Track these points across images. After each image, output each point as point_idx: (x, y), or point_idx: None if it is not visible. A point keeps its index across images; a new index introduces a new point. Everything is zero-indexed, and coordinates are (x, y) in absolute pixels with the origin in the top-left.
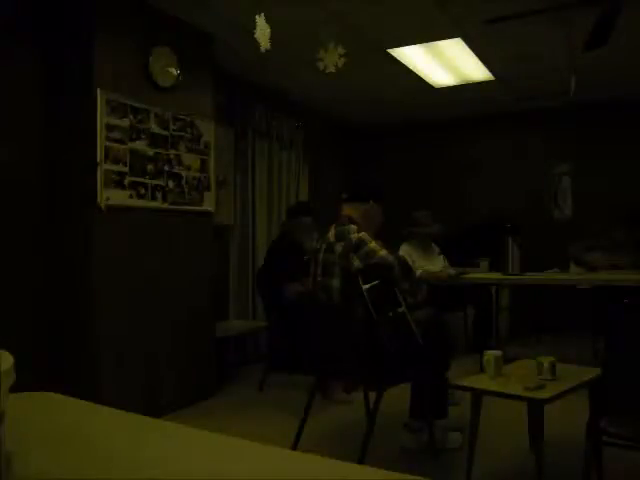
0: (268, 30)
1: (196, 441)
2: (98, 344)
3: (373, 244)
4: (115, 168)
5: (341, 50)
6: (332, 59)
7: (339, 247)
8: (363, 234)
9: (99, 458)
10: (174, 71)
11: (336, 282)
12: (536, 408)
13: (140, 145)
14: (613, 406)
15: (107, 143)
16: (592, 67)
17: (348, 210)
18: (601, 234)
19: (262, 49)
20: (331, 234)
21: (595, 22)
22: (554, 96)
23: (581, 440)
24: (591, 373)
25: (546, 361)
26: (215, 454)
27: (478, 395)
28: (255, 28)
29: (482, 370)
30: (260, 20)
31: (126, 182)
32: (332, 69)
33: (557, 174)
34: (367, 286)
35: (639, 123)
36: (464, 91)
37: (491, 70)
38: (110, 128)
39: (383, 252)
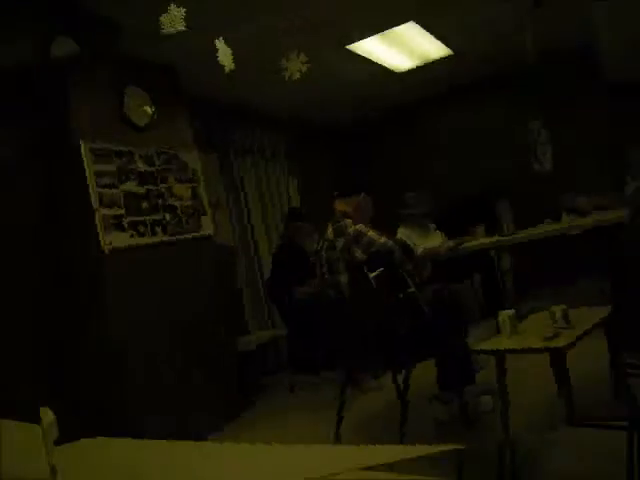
0: (229, 51)
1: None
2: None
3: (371, 233)
4: (112, 212)
5: (303, 58)
6: (295, 67)
7: (340, 243)
8: (360, 226)
9: None
10: (149, 109)
11: (343, 277)
12: (558, 356)
13: (131, 185)
14: (631, 341)
15: (99, 189)
16: (543, 22)
17: (341, 205)
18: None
19: (227, 70)
20: (329, 232)
21: None
22: (514, 60)
23: (605, 378)
24: (602, 313)
25: (558, 310)
26: (272, 462)
27: (500, 355)
28: (217, 52)
29: (498, 331)
30: (220, 44)
31: (125, 223)
32: (297, 76)
33: (532, 130)
34: (374, 274)
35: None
36: (427, 71)
37: (448, 45)
38: (99, 174)
39: (382, 239)
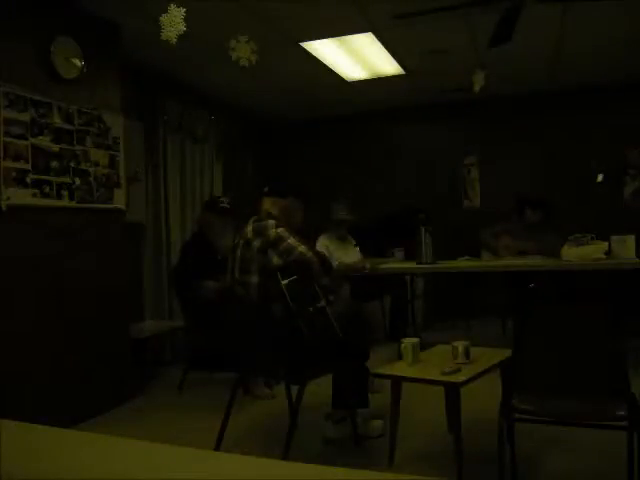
0: (180, 25)
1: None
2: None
3: (292, 240)
4: (16, 165)
5: (254, 46)
6: (244, 52)
7: (257, 243)
8: (282, 230)
9: None
10: (78, 62)
11: (254, 278)
12: (452, 391)
13: (43, 140)
14: (522, 384)
15: (6, 139)
16: (497, 63)
17: (267, 204)
18: (511, 218)
19: (164, 37)
20: (249, 230)
21: (499, 19)
22: (463, 90)
23: (496, 419)
24: (503, 354)
25: (460, 345)
26: (138, 460)
27: (397, 382)
28: (165, 13)
29: (400, 357)
30: (173, 10)
31: (28, 180)
32: (245, 62)
33: (466, 165)
34: (286, 281)
35: (538, 115)
36: (376, 85)
37: (401, 64)
38: (9, 122)
39: (302, 248)
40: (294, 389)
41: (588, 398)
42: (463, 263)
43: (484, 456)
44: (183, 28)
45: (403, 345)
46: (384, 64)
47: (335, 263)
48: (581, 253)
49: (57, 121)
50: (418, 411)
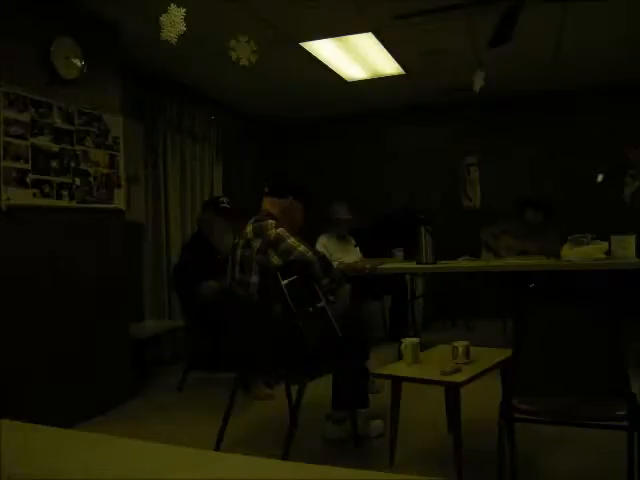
0: (180, 25)
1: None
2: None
3: (292, 240)
4: (16, 165)
5: (254, 46)
6: (245, 52)
7: (257, 243)
8: (281, 230)
9: None
10: (78, 62)
11: (254, 278)
12: (452, 391)
13: (43, 140)
14: (522, 384)
15: (6, 139)
16: (496, 63)
17: (267, 204)
18: (512, 218)
19: (164, 36)
20: (249, 230)
21: (499, 19)
22: (463, 91)
23: (496, 419)
24: (503, 354)
25: (460, 345)
26: (138, 460)
27: (397, 382)
28: (165, 13)
29: (400, 358)
30: (173, 10)
31: (28, 180)
32: (245, 62)
33: (466, 165)
34: (286, 281)
35: (538, 115)
36: (376, 85)
37: (401, 64)
38: (9, 122)
39: (302, 248)
40: (294, 389)
41: (588, 398)
42: (463, 263)
43: (484, 456)
44: (183, 28)
45: (403, 345)
46: (384, 64)
47: (335, 263)
48: (581, 253)
49: (57, 121)
50: (418, 411)
